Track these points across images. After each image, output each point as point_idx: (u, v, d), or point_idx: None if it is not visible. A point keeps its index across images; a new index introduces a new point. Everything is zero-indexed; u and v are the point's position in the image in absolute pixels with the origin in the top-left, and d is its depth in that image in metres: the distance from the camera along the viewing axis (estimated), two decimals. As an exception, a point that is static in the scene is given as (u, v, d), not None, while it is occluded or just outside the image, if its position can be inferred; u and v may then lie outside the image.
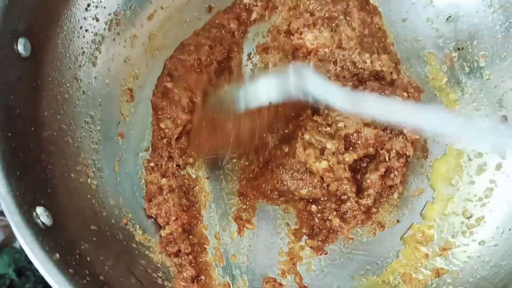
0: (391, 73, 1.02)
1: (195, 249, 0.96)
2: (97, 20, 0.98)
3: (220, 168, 1.05)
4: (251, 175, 1.03)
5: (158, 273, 0.93)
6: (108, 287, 0.78)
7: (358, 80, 1.02)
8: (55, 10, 0.89)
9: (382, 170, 0.97)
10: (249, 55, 1.11)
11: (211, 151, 1.02)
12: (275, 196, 1.02)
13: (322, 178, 0.97)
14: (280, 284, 0.97)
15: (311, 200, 1.01)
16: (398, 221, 1.02)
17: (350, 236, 1.00)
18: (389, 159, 0.96)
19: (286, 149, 1.00)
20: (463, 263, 0.96)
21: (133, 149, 1.01)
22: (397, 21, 1.09)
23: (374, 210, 1.01)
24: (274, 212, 1.03)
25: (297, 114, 1.01)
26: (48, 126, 0.86)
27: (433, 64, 1.07)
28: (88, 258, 0.79)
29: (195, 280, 0.93)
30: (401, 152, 0.97)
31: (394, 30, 1.09)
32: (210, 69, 1.06)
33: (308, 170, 0.98)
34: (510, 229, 0.94)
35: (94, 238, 0.84)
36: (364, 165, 0.99)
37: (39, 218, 0.72)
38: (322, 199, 0.99)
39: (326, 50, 1.04)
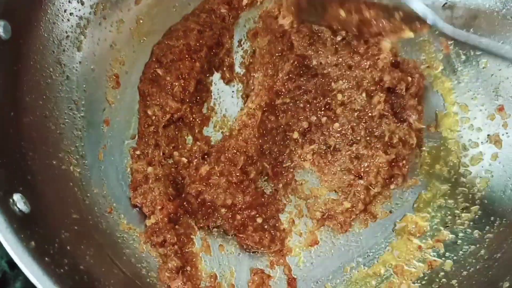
0: None
1: (181, 239, 0.94)
2: (82, 3, 0.96)
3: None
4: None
5: (142, 264, 0.91)
6: (88, 277, 0.77)
7: None
8: (37, -8, 0.87)
9: (392, 156, 0.97)
10: (239, 41, 1.08)
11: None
12: None
13: None
14: (269, 276, 0.95)
15: None
16: (390, 212, 1.00)
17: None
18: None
19: None
20: (456, 256, 0.93)
21: (119, 136, 0.99)
22: (392, 7, 1.06)
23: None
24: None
25: None
26: (29, 112, 0.84)
27: (428, 52, 1.04)
28: (68, 247, 0.77)
29: (181, 271, 0.91)
30: (403, 139, 0.97)
31: (389, 17, 1.06)
32: (201, 55, 1.03)
33: None
34: (504, 220, 0.92)
35: (76, 227, 0.82)
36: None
37: (15, 205, 0.70)
38: None
39: None
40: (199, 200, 0.94)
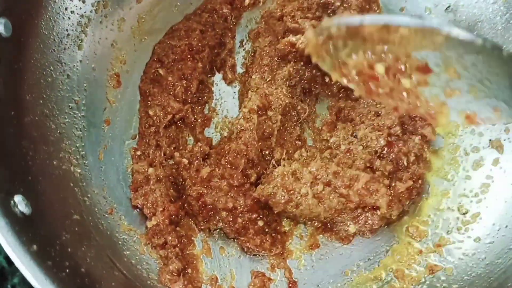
0: None
1: (182, 241, 0.93)
2: (83, 1, 0.95)
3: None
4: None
5: (142, 265, 0.90)
6: (89, 279, 0.76)
7: None
8: (38, -10, 0.86)
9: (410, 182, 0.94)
10: (241, 42, 1.08)
11: None
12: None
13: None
14: (269, 279, 0.94)
15: None
16: (391, 215, 0.99)
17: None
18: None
19: None
20: (457, 260, 0.93)
21: (119, 136, 0.98)
22: (395, 10, 1.06)
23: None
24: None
25: None
26: (30, 111, 0.83)
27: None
28: (69, 249, 0.76)
29: (181, 273, 0.90)
30: (418, 154, 0.95)
31: (392, 19, 1.06)
32: (203, 55, 1.03)
33: None
34: (506, 226, 0.92)
35: (76, 228, 0.82)
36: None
37: (17, 207, 0.69)
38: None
39: None
40: (200, 202, 0.93)
